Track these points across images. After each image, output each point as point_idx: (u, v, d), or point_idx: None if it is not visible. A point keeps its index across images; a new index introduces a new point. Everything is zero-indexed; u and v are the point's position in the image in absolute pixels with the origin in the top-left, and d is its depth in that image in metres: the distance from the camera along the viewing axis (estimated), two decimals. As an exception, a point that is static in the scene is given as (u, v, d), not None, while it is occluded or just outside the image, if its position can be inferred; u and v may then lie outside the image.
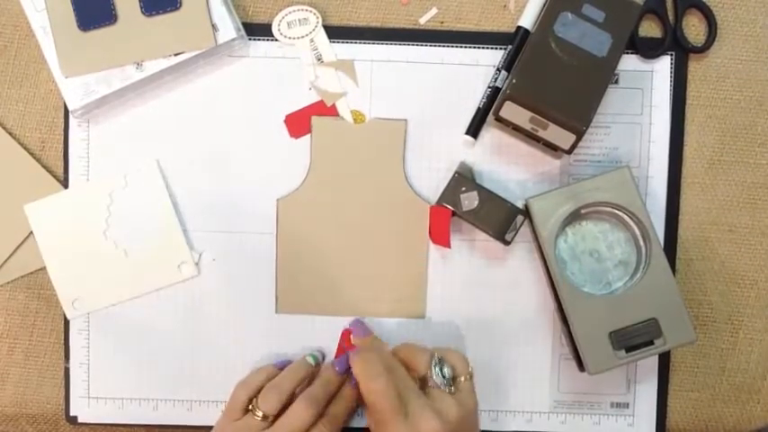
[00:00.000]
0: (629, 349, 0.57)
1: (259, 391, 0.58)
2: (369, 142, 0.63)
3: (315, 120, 0.63)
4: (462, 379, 0.57)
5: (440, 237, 0.61)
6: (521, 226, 0.60)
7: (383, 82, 0.63)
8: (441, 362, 0.57)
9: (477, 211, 0.59)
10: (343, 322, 0.63)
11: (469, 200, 0.59)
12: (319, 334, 0.63)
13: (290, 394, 0.58)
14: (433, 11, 0.63)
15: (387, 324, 0.63)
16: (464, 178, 0.60)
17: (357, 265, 0.63)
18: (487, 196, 0.60)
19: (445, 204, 0.60)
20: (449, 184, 0.60)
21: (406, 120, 0.63)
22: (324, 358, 0.63)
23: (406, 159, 0.63)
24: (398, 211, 0.63)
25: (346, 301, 0.63)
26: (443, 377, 0.56)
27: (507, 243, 0.60)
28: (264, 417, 0.56)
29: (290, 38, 0.62)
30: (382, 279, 0.63)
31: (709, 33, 0.63)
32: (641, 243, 0.59)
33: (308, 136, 0.63)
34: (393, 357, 0.58)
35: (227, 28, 0.60)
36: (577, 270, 0.60)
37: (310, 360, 0.61)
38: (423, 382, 0.56)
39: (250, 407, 0.57)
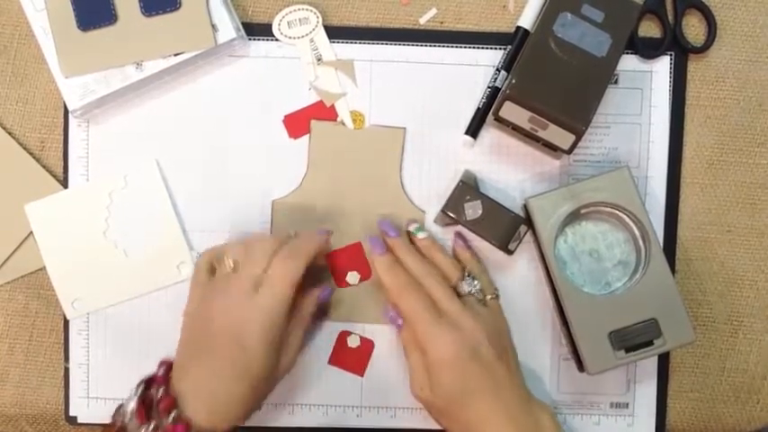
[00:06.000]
0: (628, 349, 0.57)
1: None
2: (367, 148, 0.63)
3: (314, 124, 0.63)
4: (489, 297, 0.59)
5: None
6: (524, 236, 0.59)
7: (383, 82, 0.63)
8: (471, 275, 0.59)
9: (481, 220, 0.59)
10: (336, 327, 0.63)
11: (473, 209, 0.59)
12: (315, 342, 0.63)
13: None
14: (433, 11, 0.63)
15: (381, 331, 0.63)
16: (468, 187, 0.60)
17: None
18: (491, 206, 0.59)
19: (449, 213, 0.60)
20: (453, 192, 0.60)
21: (405, 128, 0.63)
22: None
23: (403, 166, 0.63)
24: (393, 218, 0.63)
25: (339, 306, 0.63)
26: (475, 288, 0.58)
27: (510, 253, 0.59)
28: (234, 265, 0.57)
29: (290, 37, 0.62)
30: (375, 285, 0.63)
31: (708, 33, 0.63)
32: (641, 243, 0.59)
33: (307, 136, 0.63)
34: (426, 263, 0.59)
35: (227, 28, 0.60)
36: (577, 270, 0.60)
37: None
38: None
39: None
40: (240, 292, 0.54)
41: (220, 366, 0.53)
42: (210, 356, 0.54)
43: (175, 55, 0.60)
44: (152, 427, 0.51)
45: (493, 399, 0.54)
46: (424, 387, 0.56)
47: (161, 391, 0.52)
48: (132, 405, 0.52)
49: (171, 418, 0.51)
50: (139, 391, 0.53)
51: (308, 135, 0.63)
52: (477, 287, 0.59)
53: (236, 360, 0.53)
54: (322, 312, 0.62)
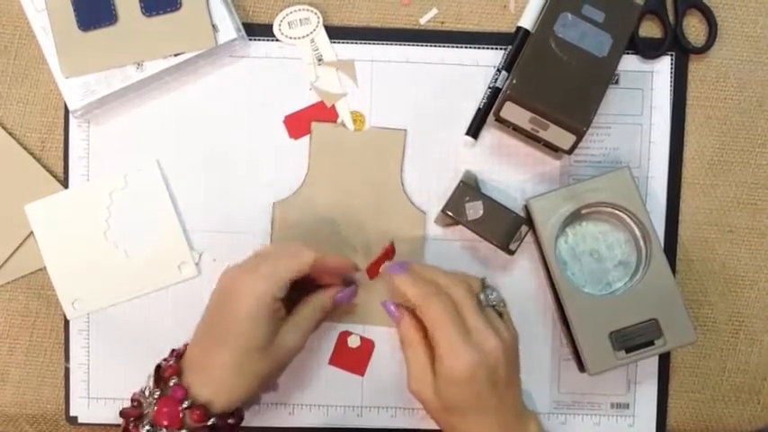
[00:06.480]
0: (629, 350, 0.57)
1: None
2: (367, 150, 0.63)
3: (314, 125, 0.63)
4: (502, 306, 0.59)
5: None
6: (525, 236, 0.59)
7: (383, 82, 0.63)
8: (489, 286, 0.58)
9: (482, 220, 0.59)
10: (336, 327, 0.63)
11: (474, 209, 0.59)
12: (315, 342, 0.63)
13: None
14: (434, 11, 0.63)
15: (382, 331, 0.63)
16: (469, 187, 0.60)
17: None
18: (492, 206, 0.59)
19: (449, 213, 0.60)
20: (453, 193, 0.60)
21: (405, 129, 0.63)
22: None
23: (404, 167, 0.63)
24: (394, 219, 0.63)
25: (342, 307, 0.63)
26: (494, 300, 0.58)
27: (512, 253, 0.59)
28: None
29: (291, 38, 0.62)
30: (377, 286, 0.63)
31: (709, 34, 0.63)
32: (641, 243, 0.59)
33: (307, 137, 0.63)
34: (451, 273, 0.58)
35: (228, 28, 0.60)
36: (578, 270, 0.60)
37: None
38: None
39: None
40: (244, 269, 0.56)
41: (214, 338, 0.55)
42: (208, 330, 0.56)
43: (176, 55, 0.60)
44: (158, 393, 0.53)
45: (493, 414, 0.55)
46: (426, 388, 0.56)
47: (171, 361, 0.55)
48: (150, 380, 0.54)
49: (172, 383, 0.53)
50: (155, 371, 0.55)
51: (308, 136, 0.63)
52: (496, 300, 0.58)
53: (227, 330, 0.54)
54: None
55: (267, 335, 0.55)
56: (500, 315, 0.58)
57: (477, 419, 0.55)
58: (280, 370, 0.57)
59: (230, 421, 0.55)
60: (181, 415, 0.52)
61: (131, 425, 0.53)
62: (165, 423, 0.52)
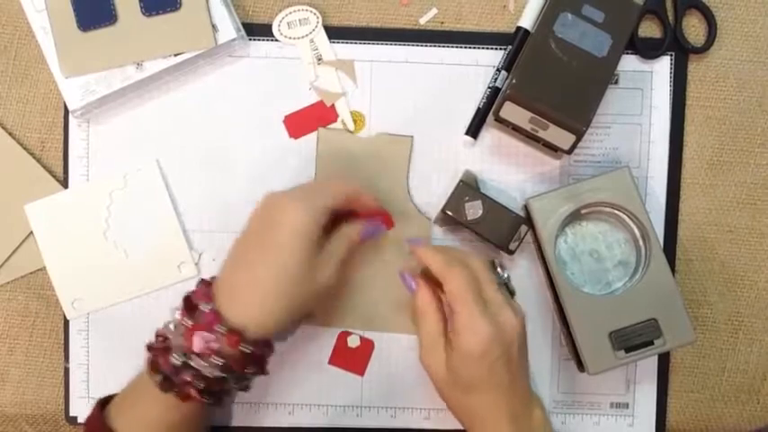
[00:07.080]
0: (628, 349, 0.57)
1: None
2: (374, 156, 0.63)
3: (321, 131, 0.63)
4: (512, 287, 0.59)
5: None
6: (525, 236, 0.59)
7: (383, 82, 0.63)
8: (502, 266, 0.58)
9: (481, 220, 0.59)
10: (336, 327, 0.63)
11: (474, 209, 0.59)
12: (315, 342, 0.63)
13: None
14: (433, 11, 0.63)
15: (385, 337, 0.63)
16: (468, 187, 0.60)
17: (356, 276, 0.63)
18: (491, 206, 0.59)
19: (449, 213, 0.60)
20: (453, 192, 0.60)
21: (412, 136, 0.63)
22: None
23: (409, 175, 0.63)
24: (400, 224, 0.62)
25: (345, 312, 0.63)
26: (506, 279, 0.58)
27: (511, 253, 0.59)
28: None
29: (290, 38, 0.62)
30: (381, 291, 0.63)
31: (708, 34, 0.63)
32: (641, 243, 0.59)
33: (307, 136, 0.63)
34: (467, 251, 0.58)
35: (227, 28, 0.60)
36: (577, 270, 0.60)
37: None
38: None
39: None
40: (277, 198, 0.55)
41: (251, 262, 0.53)
42: (244, 254, 0.54)
43: (175, 55, 0.60)
44: (190, 323, 0.52)
45: (502, 393, 0.54)
46: (438, 362, 0.55)
47: (200, 286, 0.54)
48: (177, 313, 0.53)
49: (203, 308, 0.52)
50: (185, 301, 0.54)
51: (308, 135, 0.63)
52: (509, 278, 0.58)
53: (266, 255, 0.53)
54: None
55: (307, 262, 0.53)
56: (511, 294, 0.58)
57: (487, 397, 0.54)
58: (312, 303, 0.56)
59: (263, 351, 0.54)
60: (215, 341, 0.51)
61: (161, 358, 0.51)
62: (198, 351, 0.50)
